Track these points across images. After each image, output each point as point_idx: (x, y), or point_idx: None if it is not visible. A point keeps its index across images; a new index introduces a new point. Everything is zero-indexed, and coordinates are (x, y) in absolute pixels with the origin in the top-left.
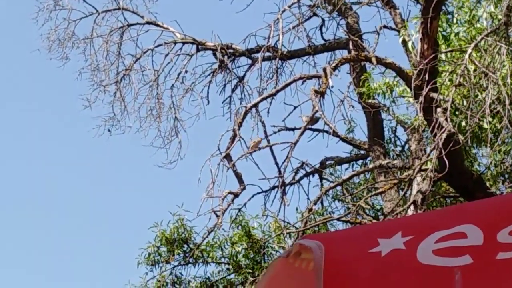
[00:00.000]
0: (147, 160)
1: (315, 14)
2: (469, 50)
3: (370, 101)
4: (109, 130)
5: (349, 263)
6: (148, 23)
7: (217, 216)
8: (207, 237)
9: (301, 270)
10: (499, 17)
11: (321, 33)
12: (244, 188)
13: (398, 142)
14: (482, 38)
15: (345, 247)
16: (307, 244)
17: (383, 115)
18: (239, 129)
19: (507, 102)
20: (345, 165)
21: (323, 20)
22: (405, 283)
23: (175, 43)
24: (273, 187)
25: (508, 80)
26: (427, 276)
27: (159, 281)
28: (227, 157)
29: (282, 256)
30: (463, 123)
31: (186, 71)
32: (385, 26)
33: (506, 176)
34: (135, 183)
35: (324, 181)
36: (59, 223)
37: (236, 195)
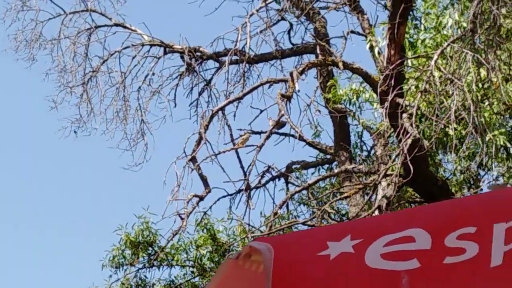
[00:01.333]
0: (113, 162)
1: (283, 19)
2: (435, 57)
3: (336, 106)
4: (75, 132)
5: (298, 266)
6: (116, 25)
7: (182, 219)
8: (171, 239)
9: (251, 272)
10: (465, 24)
11: (289, 37)
12: (209, 191)
13: (364, 147)
14: (448, 45)
15: (294, 250)
16: (257, 246)
17: (350, 120)
18: (205, 132)
19: (472, 109)
20: (311, 170)
21: (291, 25)
22: (353, 286)
23: (143, 45)
24: (239, 191)
25: (474, 87)
26: (375, 279)
27: (124, 283)
28: (193, 160)
29: (232, 258)
30: (429, 129)
31: (153, 74)
32: (352, 31)
33: (471, 182)
34: (101, 185)
35: (290, 185)
36: (22, 224)
37: (201, 198)
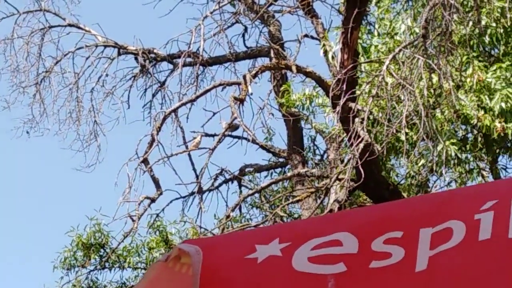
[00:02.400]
0: (65, 163)
1: (237, 21)
2: (387, 62)
3: (290, 109)
4: (27, 132)
5: (226, 268)
6: (69, 25)
7: (133, 220)
8: (122, 241)
9: (180, 274)
10: (417, 30)
11: (243, 40)
12: (161, 193)
13: (317, 151)
14: (400, 50)
15: (222, 253)
16: (186, 248)
17: (303, 124)
18: (157, 134)
19: (423, 114)
20: (264, 173)
21: (246, 28)
22: None
23: (97, 46)
24: (191, 193)
25: (425, 92)
26: (301, 283)
27: (75, 285)
28: (145, 161)
29: (161, 260)
30: (380, 134)
31: (107, 75)
32: (306, 35)
33: (422, 187)
34: (52, 186)
35: (242, 188)
36: None
37: (153, 200)
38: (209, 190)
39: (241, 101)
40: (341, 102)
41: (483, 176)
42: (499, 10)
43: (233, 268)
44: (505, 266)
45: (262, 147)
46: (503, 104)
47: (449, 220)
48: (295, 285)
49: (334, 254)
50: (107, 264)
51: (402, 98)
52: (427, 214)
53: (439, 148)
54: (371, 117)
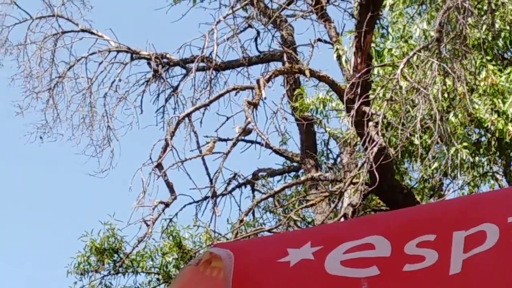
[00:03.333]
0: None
1: (250, 26)
2: (401, 66)
3: (303, 114)
4: (41, 138)
5: (258, 272)
6: (82, 30)
7: (147, 225)
8: (137, 246)
9: (211, 278)
10: (432, 34)
11: (256, 44)
12: (175, 198)
13: (330, 155)
14: (414, 54)
15: (254, 256)
16: (217, 252)
17: (316, 128)
18: (171, 138)
19: (437, 118)
20: (277, 177)
21: (258, 32)
22: None
23: (109, 51)
24: (205, 198)
25: (439, 96)
26: (334, 286)
27: None
28: (159, 166)
29: (192, 263)
30: (394, 138)
31: (119, 80)
32: (319, 40)
33: (436, 190)
34: (66, 192)
35: (256, 192)
36: None
37: (167, 205)
38: (222, 194)
39: (254, 105)
40: (355, 106)
41: (496, 180)
42: None
43: (265, 272)
44: None
45: (275, 151)
46: None
47: (482, 223)
48: None
49: (367, 257)
50: (120, 269)
51: (416, 102)
52: (459, 217)
53: (452, 151)
54: (385, 121)
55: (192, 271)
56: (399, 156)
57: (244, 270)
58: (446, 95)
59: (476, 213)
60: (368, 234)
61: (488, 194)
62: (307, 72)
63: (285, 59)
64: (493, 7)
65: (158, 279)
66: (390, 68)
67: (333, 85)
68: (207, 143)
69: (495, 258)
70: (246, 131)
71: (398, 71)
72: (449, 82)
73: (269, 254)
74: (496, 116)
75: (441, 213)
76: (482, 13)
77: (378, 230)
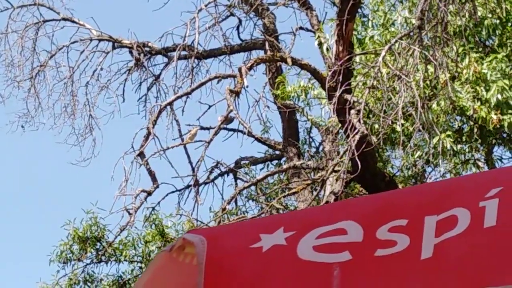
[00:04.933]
0: (60, 157)
1: (232, 14)
2: (383, 53)
3: (285, 102)
4: (22, 127)
5: (231, 258)
6: (64, 19)
7: (129, 214)
8: (119, 235)
9: (185, 264)
10: (413, 21)
11: (238, 33)
12: (157, 187)
13: (312, 143)
14: (396, 41)
15: (227, 242)
16: (190, 238)
17: (298, 116)
18: (153, 127)
19: (419, 105)
20: (260, 165)
21: (240, 20)
22: (285, 279)
23: (91, 40)
24: (187, 186)
25: (421, 84)
26: (306, 271)
27: (71, 279)
28: (141, 155)
29: (165, 250)
30: (376, 126)
31: (101, 69)
32: (301, 28)
33: (418, 178)
34: (48, 180)
35: (238, 181)
36: None
37: (149, 193)
38: (205, 183)
39: (236, 93)
40: (337, 94)
41: (478, 167)
42: (494, 1)
43: (238, 257)
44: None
45: (257, 139)
46: (499, 96)
47: (454, 207)
48: (301, 274)
49: (339, 242)
50: (103, 258)
51: (398, 89)
52: (431, 202)
53: (434, 140)
54: (367, 108)
55: (165, 258)
56: (381, 144)
57: (217, 255)
58: (428, 82)
59: (448, 198)
60: (341, 220)
61: (461, 178)
62: (289, 60)
63: (267, 47)
64: None
65: (141, 268)
66: (372, 56)
67: (315, 73)
68: (189, 131)
69: (466, 242)
70: (228, 120)
71: (380, 59)
72: (431, 69)
73: (242, 240)
74: (478, 104)
75: (413, 198)
76: (464, 0)
77: (351, 216)
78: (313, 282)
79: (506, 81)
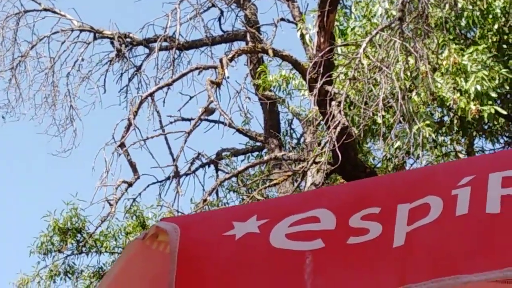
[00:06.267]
0: (41, 148)
1: (214, 5)
2: (364, 44)
3: (266, 93)
4: (3, 117)
5: (204, 246)
6: (45, 9)
7: (110, 205)
8: (100, 226)
9: (158, 252)
10: (394, 13)
11: (220, 24)
12: (138, 178)
13: (294, 135)
14: (377, 33)
15: (200, 230)
16: (163, 226)
17: (280, 108)
18: (134, 118)
19: (400, 97)
20: (241, 157)
21: (222, 11)
22: (257, 267)
23: (72, 30)
24: (168, 178)
25: (402, 75)
26: (279, 260)
27: (52, 270)
28: (122, 146)
29: (138, 238)
30: (357, 117)
31: (82, 59)
32: (282, 19)
33: (399, 169)
34: (29, 171)
35: (219, 172)
36: None
37: (130, 184)
38: (186, 174)
39: (217, 84)
40: (318, 85)
41: (459, 159)
42: None
43: (210, 245)
44: (483, 241)
45: (238, 131)
46: (478, 87)
47: (427, 195)
48: (273, 261)
49: (311, 230)
50: (84, 249)
51: (379, 80)
52: (404, 190)
53: (414, 128)
54: (347, 100)
55: (138, 245)
56: (362, 135)
57: (189, 243)
58: (408, 74)
59: (421, 186)
60: (314, 207)
61: (435, 167)
62: (270, 52)
63: (248, 38)
64: None
65: None
66: (353, 47)
67: (296, 65)
68: (171, 122)
69: (438, 230)
70: (209, 111)
71: (361, 50)
72: (411, 61)
73: (215, 228)
74: (458, 95)
75: (386, 186)
76: None
77: (324, 204)
78: (286, 269)
79: (486, 72)
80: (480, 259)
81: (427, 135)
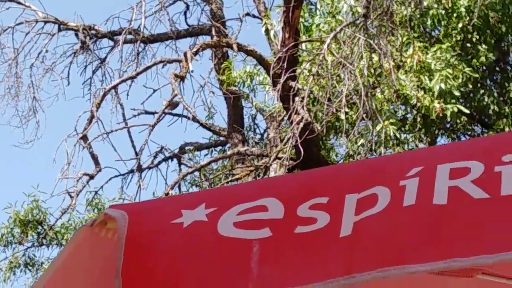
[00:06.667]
0: (3, 139)
1: None
2: (328, 41)
3: (230, 88)
4: None
5: (151, 233)
6: (9, 0)
7: (71, 197)
8: (60, 218)
9: (107, 239)
10: (359, 10)
11: (185, 18)
12: (100, 170)
13: (257, 130)
14: (341, 29)
15: (149, 218)
16: (112, 213)
17: (244, 103)
18: (97, 110)
19: (363, 93)
20: (204, 151)
21: (188, 5)
22: (205, 255)
23: (37, 21)
24: (131, 171)
25: (365, 72)
26: (226, 248)
27: (12, 262)
28: (84, 138)
29: (86, 225)
30: (321, 113)
31: (46, 51)
32: (248, 14)
33: None
34: None
35: (182, 166)
36: None
37: (91, 177)
38: (149, 167)
39: (181, 78)
40: (282, 80)
41: None
42: None
43: (158, 233)
44: (429, 232)
45: (202, 125)
46: (442, 85)
47: (375, 186)
48: (220, 250)
49: (259, 219)
50: (44, 241)
51: (343, 77)
52: (354, 180)
53: (378, 127)
54: (311, 96)
55: (86, 232)
56: (325, 131)
57: (137, 231)
58: (372, 71)
59: (370, 176)
60: (263, 196)
61: (384, 158)
62: (234, 46)
63: (213, 33)
64: None
65: None
66: (318, 43)
67: (260, 60)
68: (134, 116)
69: (384, 220)
70: (173, 104)
71: (325, 46)
72: (375, 58)
73: (163, 215)
74: (422, 93)
75: (335, 176)
76: None
77: (273, 193)
78: (233, 258)
79: (450, 71)
80: (426, 249)
81: (391, 134)
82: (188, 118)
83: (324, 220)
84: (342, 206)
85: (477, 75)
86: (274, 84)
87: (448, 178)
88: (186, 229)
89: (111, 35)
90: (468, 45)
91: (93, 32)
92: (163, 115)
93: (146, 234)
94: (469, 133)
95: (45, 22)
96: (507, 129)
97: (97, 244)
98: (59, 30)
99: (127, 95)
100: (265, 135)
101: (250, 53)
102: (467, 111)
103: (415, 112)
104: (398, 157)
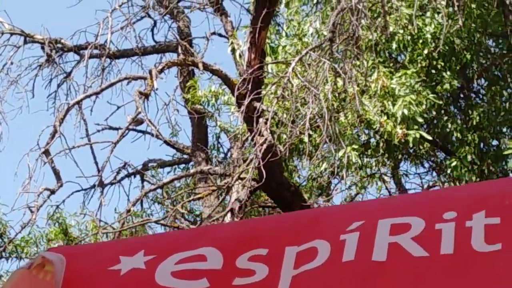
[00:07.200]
0: None
1: (147, 15)
2: (293, 63)
3: (195, 106)
4: None
5: (87, 279)
6: None
7: (31, 211)
8: (20, 232)
9: (45, 282)
10: (325, 33)
11: (152, 34)
12: (61, 185)
13: (221, 149)
14: (306, 52)
15: (86, 263)
16: (49, 257)
17: (208, 121)
18: (60, 125)
19: (327, 117)
20: (168, 169)
21: (155, 22)
22: None
23: (2, 33)
24: (93, 186)
25: (330, 96)
26: None
27: None
28: (46, 153)
29: (24, 267)
30: (284, 135)
31: (11, 63)
32: (214, 33)
33: (324, 189)
34: None
35: (145, 183)
36: None
37: (52, 192)
38: (111, 183)
39: (146, 95)
40: (246, 101)
41: (384, 181)
42: (407, 17)
43: (95, 279)
44: None
45: (166, 142)
46: (405, 111)
47: (315, 239)
48: None
49: (198, 269)
50: (4, 254)
51: (307, 100)
52: (294, 232)
53: (340, 153)
54: (275, 117)
55: (24, 274)
56: (288, 154)
57: (74, 276)
58: (336, 95)
59: (311, 228)
60: (202, 245)
61: (326, 209)
62: (200, 65)
63: (180, 50)
64: (387, 10)
65: None
66: (283, 66)
67: (226, 79)
68: (98, 131)
69: (324, 276)
70: (137, 121)
71: (290, 69)
72: (340, 82)
73: (101, 261)
74: (385, 118)
75: (277, 226)
76: (376, 15)
77: (212, 242)
78: None
79: (414, 97)
80: None
81: (353, 159)
82: (152, 135)
83: (262, 273)
84: (281, 258)
85: (441, 102)
86: (239, 105)
87: (388, 234)
88: (123, 277)
89: (77, 49)
90: (433, 71)
91: (59, 45)
92: (126, 131)
93: (82, 280)
94: (432, 159)
95: (11, 34)
96: (469, 156)
97: (34, 286)
98: (25, 42)
99: (91, 110)
100: (229, 154)
101: (215, 72)
102: (430, 138)
103: (378, 137)
104: (340, 209)
